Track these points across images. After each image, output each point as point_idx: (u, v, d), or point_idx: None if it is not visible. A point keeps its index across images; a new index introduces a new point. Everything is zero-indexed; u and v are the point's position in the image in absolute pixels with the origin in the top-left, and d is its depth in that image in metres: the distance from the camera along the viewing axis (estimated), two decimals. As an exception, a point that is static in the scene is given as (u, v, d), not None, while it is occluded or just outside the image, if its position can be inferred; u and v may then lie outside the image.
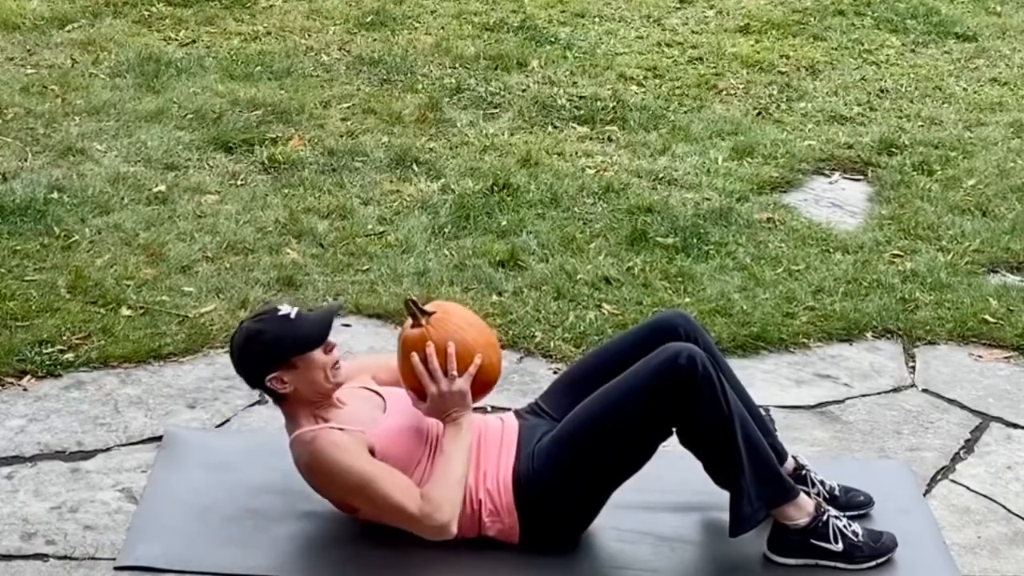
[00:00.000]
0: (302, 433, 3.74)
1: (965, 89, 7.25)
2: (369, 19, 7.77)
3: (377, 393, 3.93)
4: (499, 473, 3.78)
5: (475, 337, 3.80)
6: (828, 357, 4.90)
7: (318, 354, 3.75)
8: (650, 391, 3.69)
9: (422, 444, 3.79)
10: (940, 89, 7.23)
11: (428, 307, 3.83)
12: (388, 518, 3.72)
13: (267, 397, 4.46)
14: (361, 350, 4.68)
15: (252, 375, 3.79)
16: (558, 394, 4.00)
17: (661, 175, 6.13)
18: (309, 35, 7.55)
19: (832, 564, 3.80)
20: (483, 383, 3.82)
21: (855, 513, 4.00)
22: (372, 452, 3.72)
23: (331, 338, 3.80)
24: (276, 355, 3.73)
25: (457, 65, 7.21)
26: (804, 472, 4.00)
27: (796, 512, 3.79)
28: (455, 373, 3.74)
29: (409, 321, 3.81)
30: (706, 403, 3.67)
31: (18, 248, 5.27)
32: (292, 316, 3.76)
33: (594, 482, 3.77)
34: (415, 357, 3.74)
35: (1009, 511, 4.14)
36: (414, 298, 3.83)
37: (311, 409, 3.78)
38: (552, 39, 7.62)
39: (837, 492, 4.02)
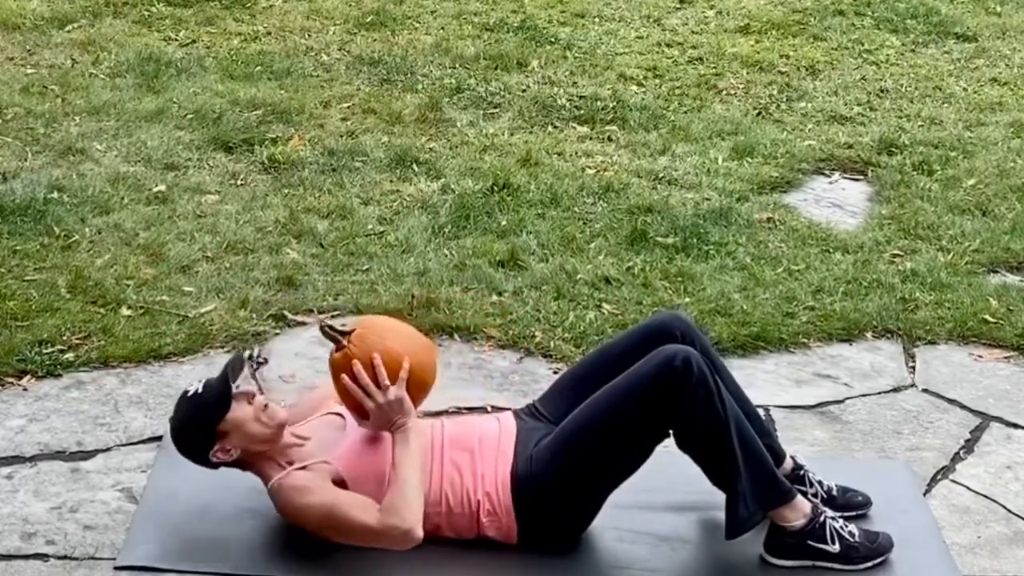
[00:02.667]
0: (272, 484, 3.77)
1: (965, 89, 7.25)
2: (369, 19, 7.77)
3: (337, 414, 3.94)
4: (497, 475, 3.78)
5: (400, 343, 3.79)
6: (828, 357, 4.90)
7: (239, 410, 3.74)
8: (646, 394, 3.69)
9: (387, 452, 3.79)
10: (940, 89, 7.23)
11: (348, 326, 3.81)
12: (360, 540, 3.72)
13: (268, 395, 4.47)
14: (361, 350, 4.68)
15: (199, 460, 3.80)
16: (556, 397, 4.00)
17: (661, 175, 6.13)
18: (309, 35, 7.55)
19: (829, 565, 3.80)
20: (419, 384, 3.79)
21: (853, 513, 4.00)
22: (339, 478, 3.74)
23: (248, 386, 3.87)
24: (201, 434, 3.75)
25: (457, 65, 7.21)
26: (802, 472, 4.01)
27: (792, 514, 3.79)
28: (387, 383, 3.73)
29: (333, 347, 3.81)
30: (701, 406, 3.67)
31: (18, 248, 5.27)
32: (199, 391, 3.77)
33: (592, 484, 3.77)
34: (345, 379, 3.74)
35: (1009, 511, 4.14)
36: (328, 323, 3.82)
37: (272, 457, 3.79)
38: (552, 39, 7.62)
39: (835, 492, 4.02)
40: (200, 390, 3.77)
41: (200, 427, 3.75)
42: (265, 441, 3.77)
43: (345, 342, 3.77)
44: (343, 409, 3.91)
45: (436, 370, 3.87)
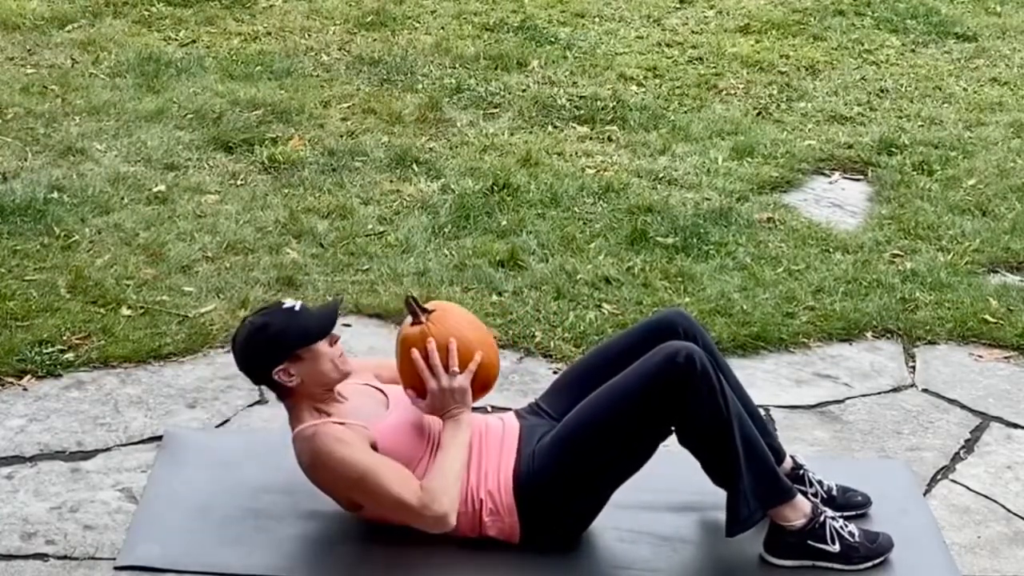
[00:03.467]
0: (304, 428, 3.74)
1: (965, 89, 7.25)
2: (369, 19, 7.77)
3: (380, 390, 3.93)
4: (500, 473, 3.78)
5: (475, 335, 3.81)
6: (828, 357, 4.90)
7: (323, 345, 3.74)
8: (648, 389, 3.69)
9: (423, 442, 3.79)
10: (940, 89, 7.23)
11: (427, 305, 3.83)
12: (388, 511, 3.71)
13: (268, 395, 4.46)
14: (361, 350, 4.68)
15: (258, 369, 3.77)
16: (558, 394, 4.00)
17: (661, 175, 6.13)
18: (309, 35, 7.55)
19: (829, 565, 3.80)
20: (483, 382, 3.82)
21: (853, 513, 4.00)
22: (374, 447, 3.72)
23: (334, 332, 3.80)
24: (282, 347, 3.72)
25: (457, 65, 7.22)
26: (802, 472, 4.00)
27: (792, 513, 3.79)
28: (456, 369, 3.74)
29: (408, 319, 3.82)
30: (704, 401, 3.67)
31: (18, 248, 5.27)
32: (296, 309, 3.76)
33: (594, 481, 3.77)
34: (415, 353, 3.74)
35: (1009, 511, 4.14)
36: (414, 295, 3.82)
37: (314, 403, 3.77)
38: (552, 39, 7.62)
39: (835, 492, 4.02)
40: (297, 308, 3.74)
41: (284, 341, 3.70)
42: (326, 384, 3.75)
43: (424, 319, 3.77)
44: (385, 387, 3.91)
45: (498, 373, 3.88)
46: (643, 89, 7.05)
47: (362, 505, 3.77)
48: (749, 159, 6.33)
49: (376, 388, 3.94)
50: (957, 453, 4.40)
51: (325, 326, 3.76)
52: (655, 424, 3.72)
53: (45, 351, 4.62)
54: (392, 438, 3.75)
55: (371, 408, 3.84)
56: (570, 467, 3.74)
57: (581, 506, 3.80)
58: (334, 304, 3.86)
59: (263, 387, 4.03)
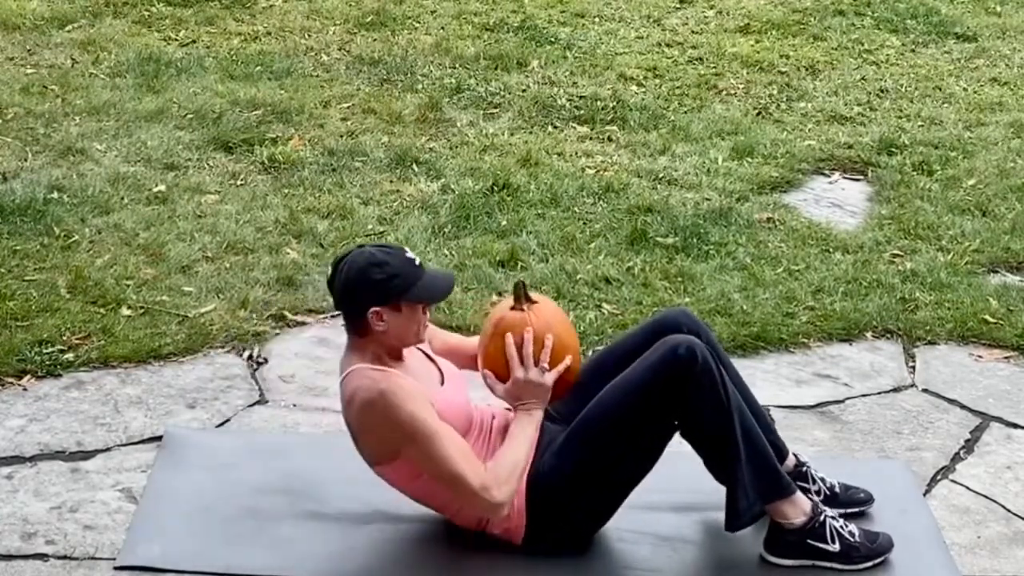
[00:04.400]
0: (367, 368, 3.65)
1: (965, 89, 7.25)
2: (369, 19, 7.77)
3: (432, 361, 3.87)
4: None
5: (569, 339, 3.81)
6: (828, 357, 4.90)
7: (418, 312, 3.70)
8: (651, 383, 3.68)
9: (466, 427, 3.75)
10: (940, 89, 7.23)
11: (533, 296, 3.81)
12: (437, 479, 3.64)
13: (268, 395, 4.46)
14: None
15: (357, 300, 3.66)
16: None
17: (661, 175, 6.13)
18: (309, 35, 7.55)
19: (829, 565, 3.80)
20: (564, 385, 3.80)
21: (855, 510, 4.00)
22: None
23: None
24: (393, 291, 3.64)
25: (457, 65, 7.21)
26: (804, 469, 4.01)
27: (792, 512, 3.79)
28: (546, 366, 3.73)
29: (508, 303, 3.79)
30: (706, 394, 3.67)
31: (18, 248, 5.27)
32: (417, 263, 3.70)
33: (603, 481, 3.76)
34: (511, 338, 3.72)
35: (1009, 511, 4.14)
36: (524, 282, 3.80)
37: (383, 353, 3.70)
38: (552, 39, 7.62)
39: (837, 489, 4.02)
40: (418, 263, 3.69)
41: (397, 285, 3.63)
42: (403, 345, 3.71)
43: (526, 307, 3.76)
44: (438, 359, 3.87)
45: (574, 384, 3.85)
46: (643, 89, 7.05)
47: (396, 459, 3.67)
48: (749, 159, 6.33)
49: (429, 358, 3.88)
50: (957, 453, 4.40)
51: (439, 293, 3.73)
52: (659, 418, 3.72)
53: (45, 351, 4.62)
54: (444, 413, 3.68)
55: (427, 378, 3.79)
56: (579, 467, 3.73)
57: (589, 507, 3.80)
58: (450, 276, 3.82)
59: (345, 320, 3.78)
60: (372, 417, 3.63)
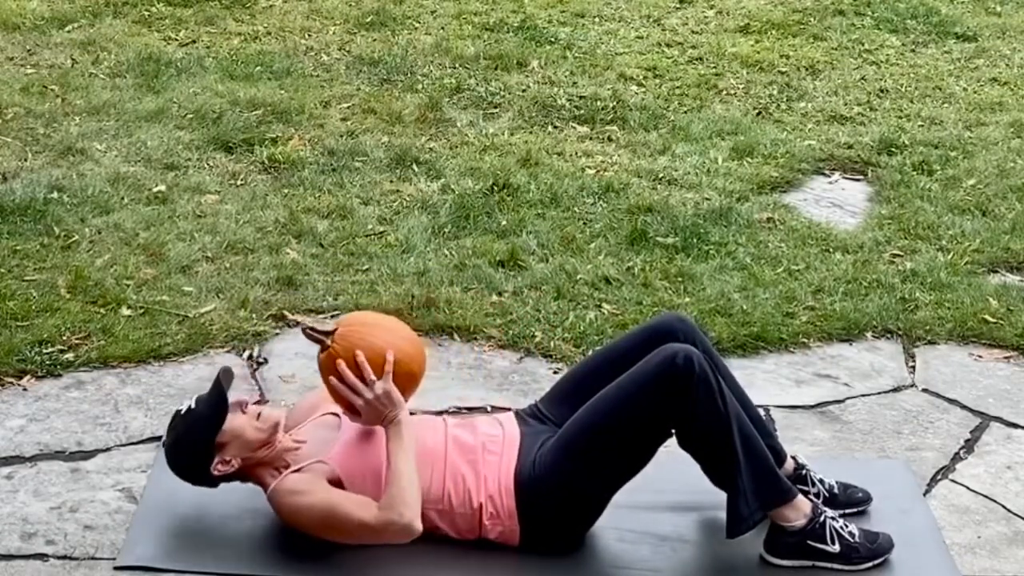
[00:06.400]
0: (269, 491, 3.79)
1: (965, 89, 7.25)
2: (369, 19, 7.77)
3: (334, 413, 3.94)
4: (500, 478, 3.78)
5: (383, 336, 3.79)
6: (828, 357, 4.90)
7: (236, 420, 3.77)
8: (648, 392, 3.69)
9: (381, 449, 3.78)
10: (940, 89, 7.23)
11: (328, 326, 3.81)
12: (360, 538, 3.73)
13: (269, 395, 4.47)
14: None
15: (199, 477, 3.81)
16: (558, 398, 4.00)
17: (661, 175, 6.13)
18: (309, 35, 7.55)
19: (829, 565, 3.80)
20: (407, 375, 3.79)
21: (854, 510, 4.01)
22: (336, 478, 3.74)
23: (239, 395, 3.90)
24: (200, 448, 3.76)
25: (457, 65, 7.21)
26: (804, 472, 4.01)
27: (793, 513, 3.79)
28: (373, 378, 3.73)
29: (318, 348, 3.81)
30: (703, 403, 3.67)
31: (18, 248, 5.27)
32: (192, 407, 3.79)
33: (596, 485, 3.77)
34: (332, 379, 3.75)
35: (1009, 511, 4.14)
36: (309, 325, 3.81)
37: (269, 463, 3.81)
38: (552, 39, 7.62)
39: (836, 490, 4.03)
40: (193, 406, 3.79)
41: (199, 441, 3.76)
42: (263, 446, 3.79)
43: (328, 342, 3.78)
44: (339, 408, 3.91)
45: (423, 359, 3.86)
46: (643, 89, 7.05)
47: (336, 537, 3.76)
48: (749, 159, 6.33)
49: (333, 413, 3.94)
50: (957, 453, 4.40)
51: (219, 406, 3.78)
52: (655, 426, 3.72)
53: (45, 351, 4.62)
54: (349, 459, 3.78)
55: (324, 438, 3.86)
56: (571, 471, 3.74)
57: (582, 509, 3.80)
58: (216, 380, 3.83)
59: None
60: (297, 527, 3.76)
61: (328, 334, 3.78)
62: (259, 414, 3.81)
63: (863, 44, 7.79)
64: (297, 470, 3.76)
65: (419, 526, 3.67)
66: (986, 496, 4.20)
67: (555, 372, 4.64)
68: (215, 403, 3.78)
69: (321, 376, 3.81)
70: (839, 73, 7.38)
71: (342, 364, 3.73)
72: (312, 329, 3.80)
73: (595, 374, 3.91)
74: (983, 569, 3.90)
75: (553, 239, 5.52)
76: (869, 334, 5.04)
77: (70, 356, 4.62)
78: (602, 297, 5.13)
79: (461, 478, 3.78)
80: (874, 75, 7.38)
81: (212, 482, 3.83)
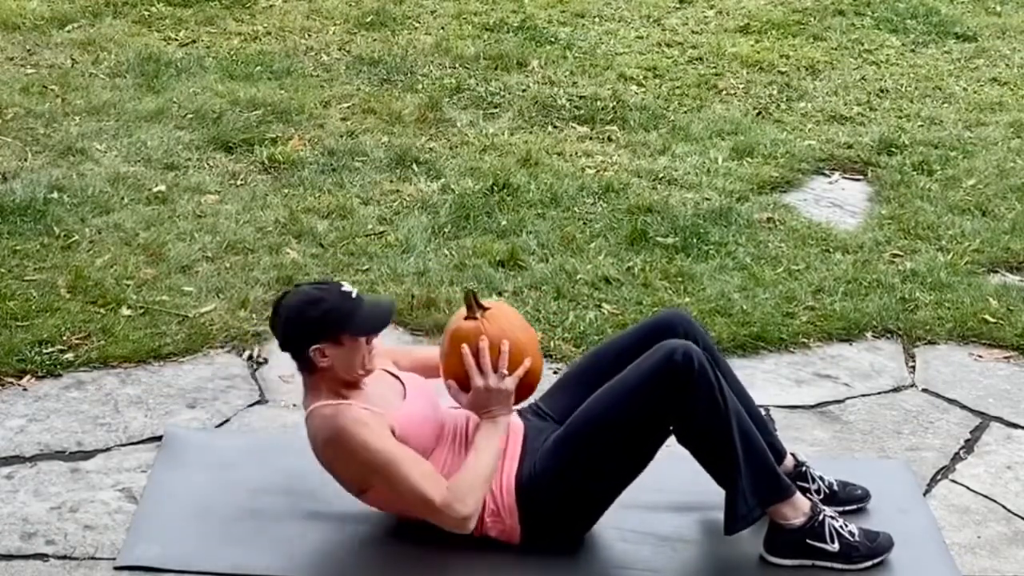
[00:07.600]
0: (322, 406, 3.69)
1: (965, 89, 7.25)
2: (369, 19, 7.77)
3: (397, 378, 3.89)
4: (502, 475, 3.77)
5: (527, 341, 3.80)
6: (828, 357, 4.90)
7: (364, 340, 3.72)
8: (647, 388, 3.69)
9: (436, 436, 3.76)
10: (940, 89, 7.24)
11: (485, 303, 3.81)
12: (405, 503, 3.68)
13: (268, 395, 4.47)
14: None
15: (297, 340, 3.71)
16: (559, 395, 4.00)
17: (661, 175, 6.13)
18: (309, 35, 7.55)
19: (829, 564, 3.80)
20: (527, 387, 3.80)
21: (854, 507, 4.01)
22: (392, 434, 3.69)
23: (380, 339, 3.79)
24: (330, 327, 3.67)
25: (457, 65, 7.22)
26: (803, 469, 4.01)
27: (792, 512, 3.79)
28: (505, 372, 3.72)
29: (462, 312, 3.79)
30: (703, 399, 3.67)
31: (18, 248, 5.27)
32: (353, 296, 3.72)
33: (596, 483, 3.77)
34: (466, 348, 3.72)
35: (1009, 511, 4.14)
36: (474, 290, 3.79)
37: (336, 387, 3.73)
38: (552, 39, 7.62)
39: (836, 488, 4.03)
40: (355, 295, 3.70)
41: (334, 321, 3.66)
42: (351, 376, 3.71)
43: (479, 315, 3.75)
44: (402, 374, 3.88)
45: (538, 383, 3.85)
46: (643, 89, 7.05)
47: (369, 488, 3.72)
48: (749, 159, 6.33)
49: (393, 375, 3.90)
50: (957, 453, 4.40)
51: (378, 324, 3.74)
52: (654, 423, 3.72)
53: (45, 351, 4.62)
54: (408, 428, 3.71)
55: (388, 396, 3.80)
56: (572, 469, 3.74)
57: (583, 508, 3.80)
58: (389, 305, 3.81)
59: (294, 360, 3.84)
60: (335, 454, 3.68)
61: (483, 308, 3.77)
62: (372, 352, 3.73)
63: (863, 44, 7.79)
64: (364, 408, 3.68)
65: (473, 524, 3.67)
66: (986, 496, 4.20)
67: (555, 372, 4.63)
68: (379, 316, 3.72)
69: (450, 339, 3.76)
70: (839, 73, 7.38)
71: (486, 342, 3.71)
72: (474, 294, 3.78)
73: (595, 371, 3.91)
74: (983, 569, 3.90)
75: (553, 239, 5.53)
76: (869, 334, 5.04)
77: (70, 356, 4.62)
78: (602, 297, 5.14)
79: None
80: (874, 75, 7.38)
81: (292, 349, 3.71)
